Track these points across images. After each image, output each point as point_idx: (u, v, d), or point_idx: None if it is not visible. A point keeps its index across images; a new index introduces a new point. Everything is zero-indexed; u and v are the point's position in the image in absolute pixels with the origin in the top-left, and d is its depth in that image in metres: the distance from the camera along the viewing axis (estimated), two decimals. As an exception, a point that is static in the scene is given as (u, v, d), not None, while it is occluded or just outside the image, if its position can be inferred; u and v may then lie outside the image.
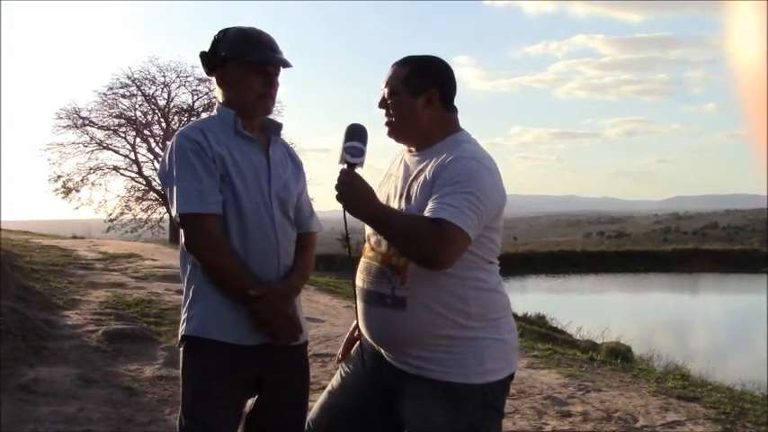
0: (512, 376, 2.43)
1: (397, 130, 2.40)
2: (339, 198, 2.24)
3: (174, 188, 2.36)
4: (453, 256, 2.19)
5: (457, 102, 2.43)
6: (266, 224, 2.43)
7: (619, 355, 8.65)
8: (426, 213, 2.19)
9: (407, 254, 2.23)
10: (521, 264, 46.31)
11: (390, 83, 2.38)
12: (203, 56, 2.50)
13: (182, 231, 2.40)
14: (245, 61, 2.43)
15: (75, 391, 5.76)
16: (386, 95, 2.38)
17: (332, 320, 8.62)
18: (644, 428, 5.06)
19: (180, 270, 2.53)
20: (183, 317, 2.45)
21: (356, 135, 2.30)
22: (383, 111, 2.40)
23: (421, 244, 2.16)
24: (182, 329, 2.45)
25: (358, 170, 2.27)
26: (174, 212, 2.39)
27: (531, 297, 27.85)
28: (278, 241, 2.45)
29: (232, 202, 2.39)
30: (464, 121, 2.44)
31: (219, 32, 2.50)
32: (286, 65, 2.49)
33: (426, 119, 2.36)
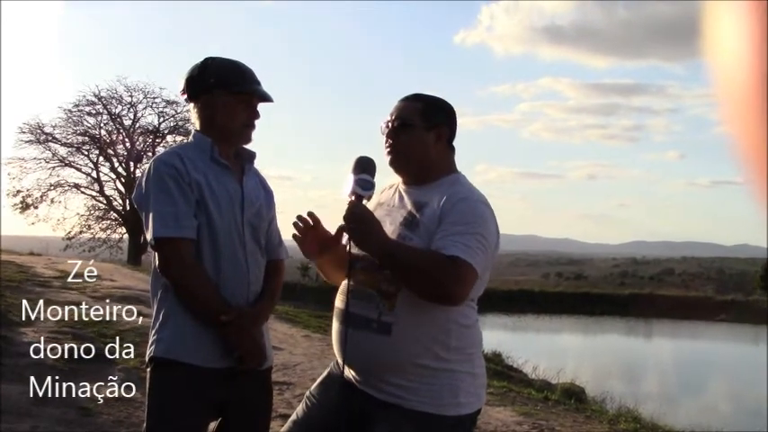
0: (479, 411, 2.47)
1: (401, 161, 2.44)
2: (350, 231, 2.28)
3: (150, 211, 2.40)
4: (466, 293, 2.28)
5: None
6: (238, 250, 2.48)
7: (573, 396, 8.74)
8: (440, 250, 2.24)
9: (421, 289, 2.26)
10: (479, 301, 46.36)
11: (403, 115, 2.42)
12: (190, 80, 2.52)
13: (155, 254, 2.43)
14: (234, 90, 2.48)
15: (30, 409, 5.70)
16: (396, 126, 2.42)
17: (290, 349, 8.63)
18: (595, 468, 5.14)
19: (150, 292, 2.55)
20: (153, 338, 2.47)
21: (368, 168, 2.36)
22: (386, 139, 2.44)
23: (438, 280, 2.22)
24: (150, 351, 2.46)
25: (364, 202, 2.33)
26: (149, 236, 2.42)
27: (487, 334, 27.74)
28: (248, 268, 2.50)
29: (206, 227, 2.43)
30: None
31: (206, 59, 2.53)
32: (269, 100, 2.55)
33: (434, 154, 2.42)
